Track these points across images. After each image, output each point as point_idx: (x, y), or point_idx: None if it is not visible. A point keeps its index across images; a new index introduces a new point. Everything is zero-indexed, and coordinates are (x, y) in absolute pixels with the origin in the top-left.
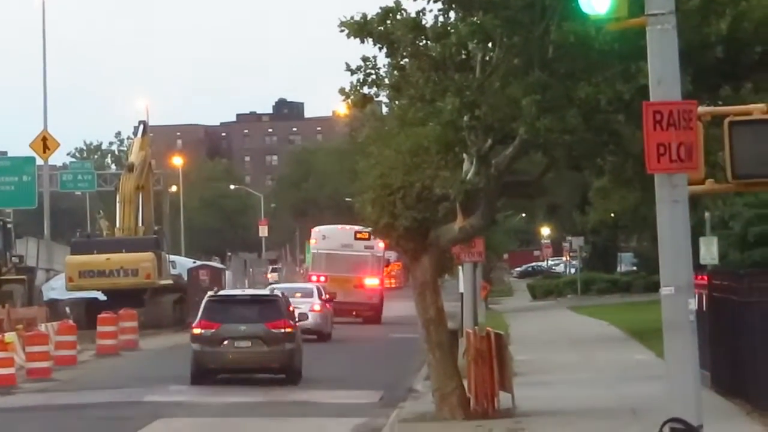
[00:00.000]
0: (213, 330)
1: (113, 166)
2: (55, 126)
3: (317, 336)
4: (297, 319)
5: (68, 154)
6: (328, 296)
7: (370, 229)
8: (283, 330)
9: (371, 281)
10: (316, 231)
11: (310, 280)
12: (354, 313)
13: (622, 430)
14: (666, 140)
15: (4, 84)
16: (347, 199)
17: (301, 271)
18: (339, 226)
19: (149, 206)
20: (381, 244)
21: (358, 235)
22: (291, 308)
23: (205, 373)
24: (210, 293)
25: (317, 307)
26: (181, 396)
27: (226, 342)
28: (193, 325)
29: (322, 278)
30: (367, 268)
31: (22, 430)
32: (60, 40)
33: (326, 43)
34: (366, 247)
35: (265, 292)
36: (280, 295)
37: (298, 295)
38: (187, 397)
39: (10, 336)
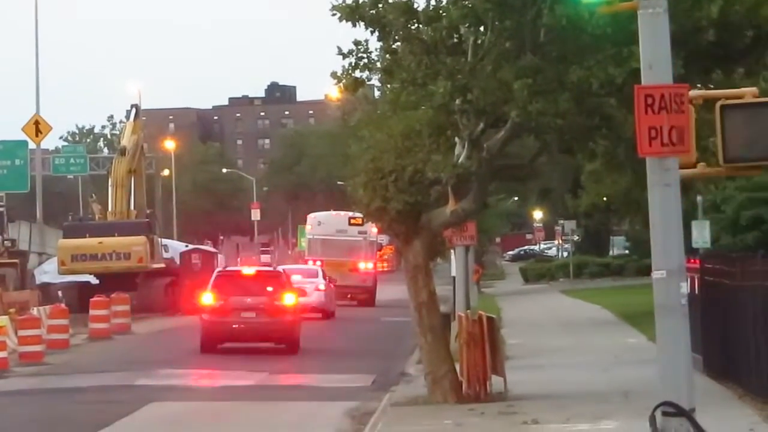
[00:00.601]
0: (221, 302)
1: (105, 150)
2: (48, 110)
3: (322, 314)
4: (304, 297)
5: (61, 138)
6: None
7: (361, 213)
8: (284, 303)
9: (365, 265)
10: (312, 217)
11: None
12: (349, 296)
13: (614, 413)
14: (657, 124)
15: None
16: (339, 182)
17: (293, 255)
18: (334, 212)
19: (141, 190)
20: (374, 230)
21: (352, 221)
22: (292, 284)
23: (213, 342)
24: (218, 269)
25: (322, 287)
26: (174, 380)
27: (232, 313)
28: (203, 297)
29: (318, 263)
30: (361, 252)
31: (15, 413)
32: (52, 24)
33: (318, 26)
34: (360, 233)
35: (269, 268)
36: (283, 272)
37: (303, 276)
38: (180, 381)
39: (2, 320)
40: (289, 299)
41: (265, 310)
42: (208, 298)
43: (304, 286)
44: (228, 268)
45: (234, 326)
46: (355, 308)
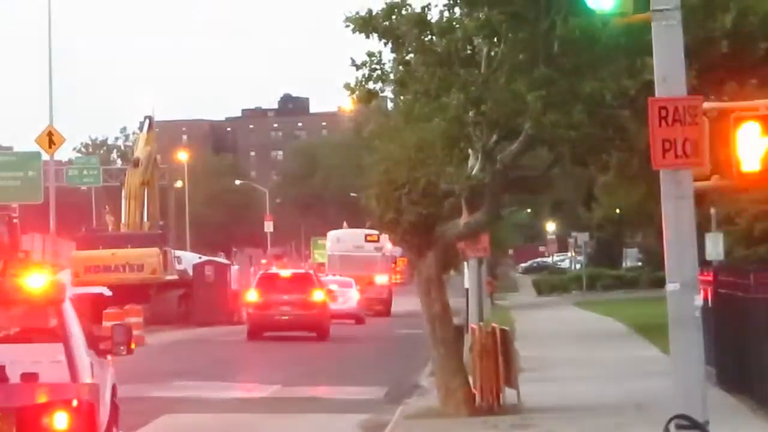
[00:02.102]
0: (263, 299)
1: (119, 162)
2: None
3: (355, 320)
4: (340, 304)
5: (74, 149)
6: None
7: (375, 224)
8: (314, 299)
9: (381, 278)
10: (331, 235)
11: None
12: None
13: (628, 426)
14: (671, 136)
15: (10, 79)
16: (352, 194)
17: (306, 267)
18: (351, 230)
19: (155, 201)
20: (389, 245)
21: (368, 238)
22: (322, 285)
23: (257, 331)
24: (261, 271)
25: (356, 296)
26: (187, 391)
27: (271, 307)
28: (248, 295)
29: (338, 277)
30: (377, 266)
31: None
32: (66, 36)
33: (331, 38)
34: (375, 248)
35: (302, 270)
36: (313, 275)
37: (339, 286)
38: (193, 393)
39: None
40: (318, 296)
41: (299, 305)
42: (252, 295)
43: (340, 296)
44: (268, 271)
45: (274, 318)
46: (370, 320)
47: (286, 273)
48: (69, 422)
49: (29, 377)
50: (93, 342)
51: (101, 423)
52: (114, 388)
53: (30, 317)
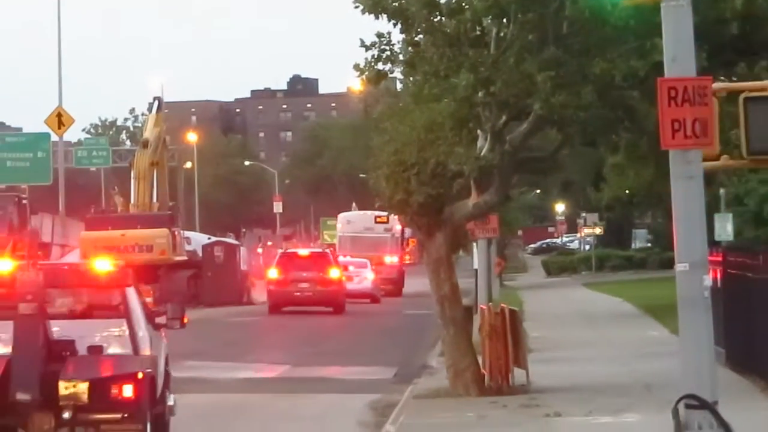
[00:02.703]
0: (283, 276)
1: (128, 143)
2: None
3: (370, 299)
4: (356, 284)
5: (83, 130)
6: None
7: (384, 205)
8: (330, 276)
9: (390, 259)
10: (342, 217)
11: None
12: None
13: (637, 406)
14: (681, 116)
15: (19, 60)
16: (361, 175)
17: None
18: (361, 212)
19: (164, 182)
20: (398, 226)
21: (378, 219)
22: (339, 263)
23: (278, 306)
24: (280, 250)
25: (371, 276)
26: (197, 372)
27: (291, 284)
28: (269, 272)
29: (348, 258)
30: (387, 247)
31: None
32: (75, 17)
33: (341, 19)
34: (385, 230)
35: (320, 249)
36: (329, 253)
37: (355, 267)
38: (203, 373)
39: None
40: (334, 273)
41: (316, 281)
42: (273, 273)
43: (355, 276)
44: (288, 251)
45: (294, 294)
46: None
47: (304, 252)
48: (134, 391)
49: (95, 349)
50: (150, 317)
51: (158, 390)
52: (167, 358)
53: (98, 297)
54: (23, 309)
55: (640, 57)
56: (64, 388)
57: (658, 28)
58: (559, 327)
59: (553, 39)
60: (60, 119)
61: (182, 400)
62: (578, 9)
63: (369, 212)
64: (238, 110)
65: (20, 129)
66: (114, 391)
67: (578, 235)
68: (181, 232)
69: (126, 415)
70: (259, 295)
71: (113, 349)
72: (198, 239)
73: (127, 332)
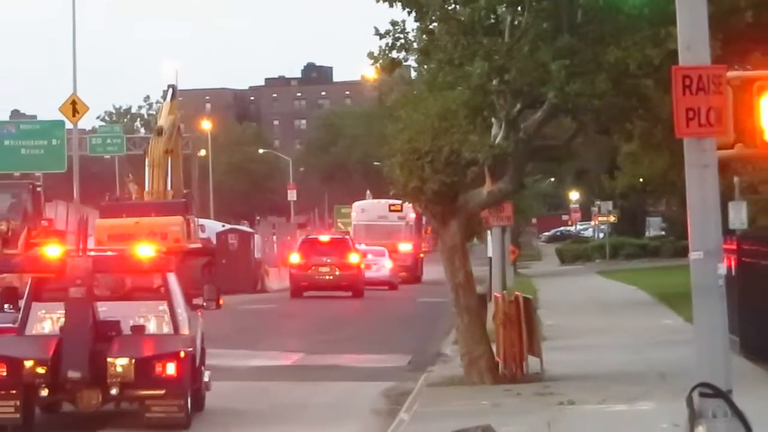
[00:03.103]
0: (304, 260)
1: (142, 130)
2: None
3: (388, 286)
4: (374, 272)
5: (97, 118)
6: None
7: (398, 193)
8: (350, 261)
9: (405, 246)
10: (356, 205)
11: None
12: None
13: (651, 394)
14: (695, 105)
15: (34, 47)
16: (376, 163)
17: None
18: (375, 201)
19: (178, 170)
20: (412, 214)
21: (392, 207)
22: (357, 249)
23: (299, 290)
24: (301, 238)
25: (389, 264)
26: (211, 360)
27: (312, 268)
28: (291, 257)
29: (363, 246)
30: (401, 235)
31: None
32: (90, 4)
33: (355, 6)
34: (399, 218)
35: (339, 235)
36: (348, 239)
37: (374, 255)
38: (217, 361)
39: None
40: (354, 258)
41: (336, 266)
42: (295, 257)
43: (374, 264)
44: (309, 236)
45: (315, 278)
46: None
47: (325, 237)
48: (176, 369)
49: (138, 329)
50: (188, 299)
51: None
52: (202, 336)
53: (142, 281)
54: (74, 293)
55: (655, 45)
56: (111, 366)
57: (673, 16)
58: (574, 315)
59: (567, 27)
60: (74, 107)
61: None
62: None
63: (383, 201)
64: (252, 98)
65: (35, 116)
66: (158, 368)
67: (592, 223)
68: (196, 219)
69: (169, 391)
70: (273, 282)
71: (155, 329)
72: (212, 227)
73: (168, 313)
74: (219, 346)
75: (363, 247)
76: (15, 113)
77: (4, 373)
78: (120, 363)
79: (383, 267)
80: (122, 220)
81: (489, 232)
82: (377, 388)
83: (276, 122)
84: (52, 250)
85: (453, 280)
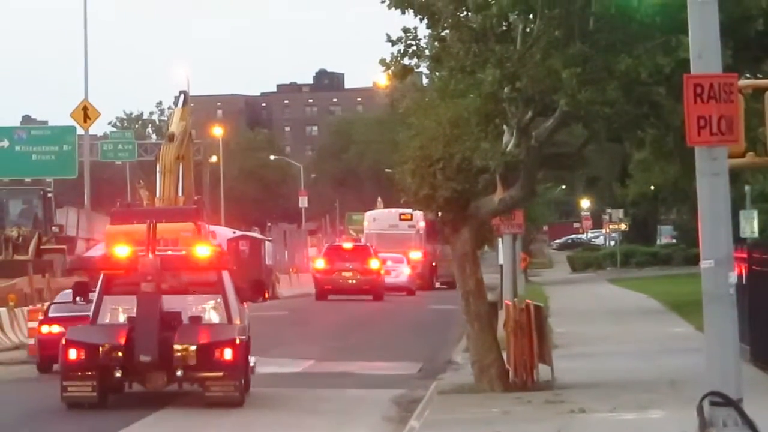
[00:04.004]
0: (329, 266)
1: (154, 136)
2: (96, 95)
3: (406, 291)
4: (393, 278)
5: (109, 124)
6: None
7: (409, 200)
8: (371, 267)
9: (415, 254)
10: (368, 215)
11: None
12: None
13: (662, 402)
14: (706, 113)
15: (46, 53)
16: (387, 170)
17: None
18: (386, 210)
19: (189, 176)
20: (422, 223)
21: (402, 217)
22: (378, 256)
23: (324, 293)
24: (326, 244)
25: (407, 271)
26: None
27: (335, 273)
28: (317, 263)
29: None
30: (411, 243)
31: (52, 397)
32: (101, 10)
33: (367, 13)
34: (409, 226)
35: (360, 243)
36: (370, 246)
37: (393, 261)
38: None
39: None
40: (374, 264)
41: (358, 271)
42: (320, 263)
43: (393, 270)
44: (334, 243)
45: (338, 282)
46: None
47: (348, 245)
48: (233, 354)
49: (196, 319)
50: (238, 292)
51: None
52: (248, 326)
53: (201, 277)
54: (145, 287)
55: (666, 53)
56: (177, 351)
57: (684, 24)
58: (584, 323)
59: (579, 35)
60: (86, 113)
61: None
62: (604, 5)
63: (393, 210)
64: (264, 104)
65: (46, 122)
66: (217, 354)
67: (603, 230)
68: (207, 226)
69: (226, 374)
70: (284, 290)
71: (212, 319)
72: (223, 233)
73: (222, 305)
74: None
75: (383, 254)
76: (26, 119)
77: (83, 357)
78: (185, 349)
79: (402, 273)
80: (133, 226)
81: (500, 239)
82: (388, 395)
83: (287, 128)
84: (123, 251)
85: (464, 288)
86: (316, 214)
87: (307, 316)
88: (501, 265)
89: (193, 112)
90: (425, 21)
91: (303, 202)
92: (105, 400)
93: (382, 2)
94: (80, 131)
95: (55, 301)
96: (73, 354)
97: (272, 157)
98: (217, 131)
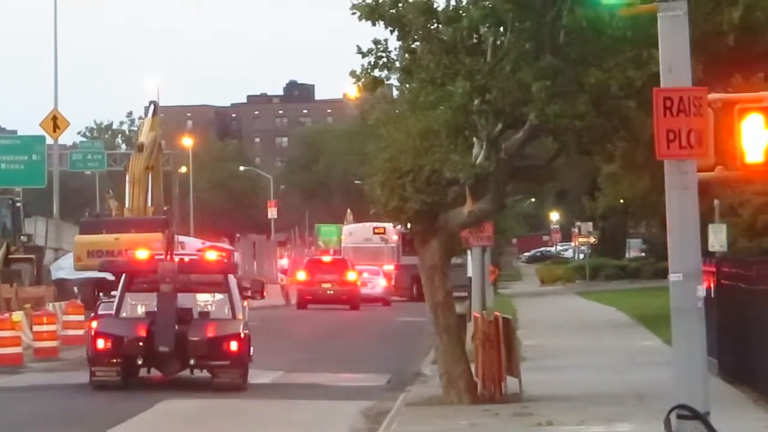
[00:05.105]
0: (309, 277)
1: (123, 146)
2: (66, 105)
3: (382, 302)
4: (369, 289)
5: (78, 134)
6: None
7: (379, 212)
8: (348, 278)
9: (388, 267)
10: (345, 229)
11: None
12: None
13: (629, 415)
14: (676, 126)
15: (15, 63)
16: (357, 181)
17: (310, 254)
18: (361, 224)
19: (159, 187)
20: (395, 237)
21: (376, 231)
22: (355, 268)
23: (305, 303)
24: (307, 258)
25: (383, 283)
26: (189, 376)
27: (316, 284)
28: (298, 274)
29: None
30: (384, 256)
31: (29, 409)
32: (71, 19)
33: (338, 25)
34: (382, 240)
35: (340, 256)
36: (348, 260)
37: (369, 274)
38: (195, 378)
39: (17, 315)
40: (352, 276)
41: (336, 282)
42: (301, 275)
43: (369, 282)
44: (314, 257)
45: (318, 292)
46: (370, 310)
47: (327, 258)
48: (238, 346)
49: (203, 315)
50: (240, 292)
51: None
52: (247, 322)
53: (210, 279)
54: (163, 288)
55: (637, 67)
56: (191, 343)
57: (655, 38)
58: (553, 335)
59: (549, 48)
60: (55, 122)
61: (173, 405)
62: (575, 18)
63: (368, 224)
64: (234, 115)
65: (15, 132)
66: (225, 345)
67: (573, 243)
68: (176, 236)
69: (232, 363)
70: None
71: (219, 315)
72: (192, 244)
73: (228, 303)
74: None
75: (361, 267)
76: None
77: (110, 346)
78: (198, 340)
79: (378, 285)
80: (102, 236)
81: (469, 252)
82: (356, 407)
83: (257, 140)
84: (142, 254)
85: (432, 300)
86: (285, 225)
87: (278, 326)
88: (470, 278)
89: (163, 122)
90: (396, 33)
91: (272, 213)
92: (127, 383)
93: (353, 14)
94: (49, 141)
95: (102, 300)
96: (101, 344)
97: (242, 168)
98: (187, 142)
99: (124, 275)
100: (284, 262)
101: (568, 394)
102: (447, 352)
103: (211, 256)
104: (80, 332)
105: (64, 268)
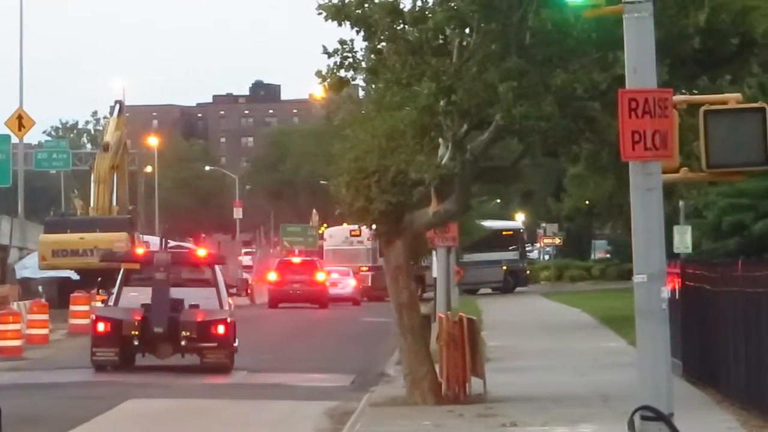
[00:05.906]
0: (280, 278)
1: (89, 146)
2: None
3: (352, 302)
4: (339, 289)
5: (44, 133)
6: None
7: (344, 212)
8: (317, 279)
9: (365, 268)
10: (326, 232)
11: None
12: None
13: (593, 416)
14: (641, 128)
15: None
16: (323, 182)
17: (275, 254)
18: (340, 227)
19: (124, 186)
20: (368, 239)
21: (352, 233)
22: (323, 269)
23: (276, 302)
24: (278, 258)
25: (353, 283)
26: (153, 377)
27: (286, 284)
28: (269, 275)
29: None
30: (360, 257)
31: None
32: (37, 18)
33: (304, 25)
34: (358, 242)
35: (309, 258)
36: (317, 261)
37: (340, 274)
38: (159, 378)
39: None
40: (320, 276)
41: (306, 282)
42: (272, 275)
43: (339, 282)
44: (284, 258)
45: (288, 292)
46: (339, 309)
47: (297, 259)
48: (224, 329)
49: (194, 306)
50: (227, 288)
51: None
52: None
53: (198, 271)
54: (158, 277)
55: (602, 69)
56: (182, 326)
57: (621, 40)
58: (518, 337)
59: (515, 49)
60: (20, 121)
61: (137, 404)
62: (541, 20)
63: (347, 227)
64: (199, 115)
65: None
66: (212, 328)
67: (538, 245)
68: (141, 236)
69: (219, 344)
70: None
71: (206, 305)
72: (157, 244)
73: (215, 293)
74: (159, 362)
75: (331, 267)
76: None
77: (109, 329)
78: (188, 324)
79: (348, 285)
80: (67, 235)
81: (434, 252)
82: (320, 408)
83: (223, 139)
84: (140, 249)
85: (397, 300)
86: (250, 225)
87: (243, 327)
88: (434, 278)
89: (128, 121)
90: (362, 33)
91: (237, 213)
92: (124, 363)
93: (319, 14)
94: (15, 140)
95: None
96: (101, 327)
97: (207, 168)
98: (153, 141)
99: (122, 270)
100: (247, 260)
101: (533, 395)
102: (411, 352)
103: (201, 251)
104: (44, 331)
105: (28, 267)
